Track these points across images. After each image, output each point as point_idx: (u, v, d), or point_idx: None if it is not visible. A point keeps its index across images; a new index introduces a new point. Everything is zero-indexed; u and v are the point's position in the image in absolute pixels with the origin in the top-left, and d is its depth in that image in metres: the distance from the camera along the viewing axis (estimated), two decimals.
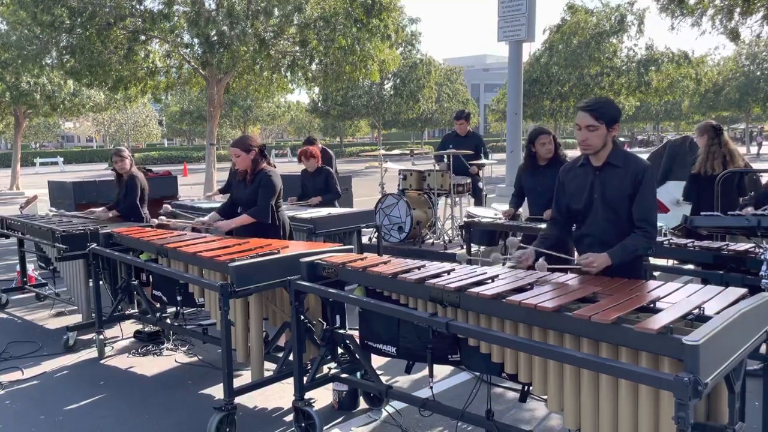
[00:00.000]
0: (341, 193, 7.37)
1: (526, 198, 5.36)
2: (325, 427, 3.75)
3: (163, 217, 5.78)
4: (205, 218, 4.97)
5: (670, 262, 4.84)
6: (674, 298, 2.66)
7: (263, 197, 4.65)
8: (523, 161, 5.27)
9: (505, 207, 6.47)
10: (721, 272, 4.02)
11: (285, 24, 13.70)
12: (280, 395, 4.21)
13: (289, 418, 3.87)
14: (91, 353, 5.18)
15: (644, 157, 9.62)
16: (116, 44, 13.74)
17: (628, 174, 3.09)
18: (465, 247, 6.60)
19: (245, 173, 4.76)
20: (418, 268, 3.36)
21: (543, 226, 4.54)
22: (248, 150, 4.69)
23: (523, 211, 5.76)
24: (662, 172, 8.54)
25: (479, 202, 8.81)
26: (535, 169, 5.10)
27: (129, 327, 5.65)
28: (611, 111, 3.10)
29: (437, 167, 8.51)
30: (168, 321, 5.08)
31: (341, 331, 3.80)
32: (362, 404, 4.04)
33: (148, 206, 6.38)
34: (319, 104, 36.28)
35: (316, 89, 25.06)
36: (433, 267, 3.38)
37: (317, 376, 3.80)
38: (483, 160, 8.56)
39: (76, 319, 5.80)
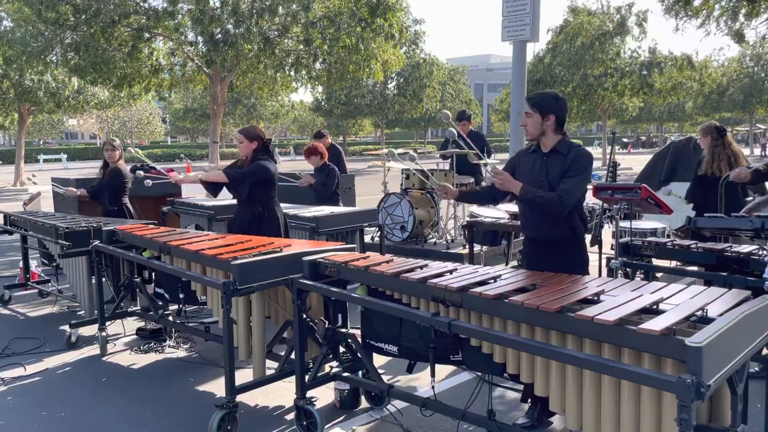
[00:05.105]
0: (338, 194, 7.21)
1: None
2: (326, 426, 3.75)
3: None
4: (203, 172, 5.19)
5: (674, 264, 4.83)
6: (677, 299, 2.66)
7: (245, 170, 4.82)
8: None
9: (509, 207, 6.45)
10: (725, 274, 4.02)
11: (290, 23, 13.70)
12: (281, 394, 4.21)
13: (291, 416, 3.87)
14: (93, 350, 5.19)
15: (647, 158, 9.61)
16: (120, 42, 13.76)
17: (569, 159, 3.51)
18: (468, 247, 6.58)
19: (243, 162, 4.91)
20: (421, 267, 3.36)
21: None
22: (252, 139, 4.86)
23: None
24: (666, 173, 8.52)
25: None
26: None
27: (131, 324, 5.66)
28: (547, 103, 3.51)
29: (440, 167, 8.51)
30: (170, 318, 5.09)
31: (343, 330, 3.80)
32: (364, 403, 4.03)
33: (149, 202, 6.44)
34: (323, 103, 36.28)
35: (320, 88, 25.08)
36: (435, 266, 3.37)
37: (319, 374, 3.80)
38: (486, 160, 8.55)
39: (79, 316, 5.81)
